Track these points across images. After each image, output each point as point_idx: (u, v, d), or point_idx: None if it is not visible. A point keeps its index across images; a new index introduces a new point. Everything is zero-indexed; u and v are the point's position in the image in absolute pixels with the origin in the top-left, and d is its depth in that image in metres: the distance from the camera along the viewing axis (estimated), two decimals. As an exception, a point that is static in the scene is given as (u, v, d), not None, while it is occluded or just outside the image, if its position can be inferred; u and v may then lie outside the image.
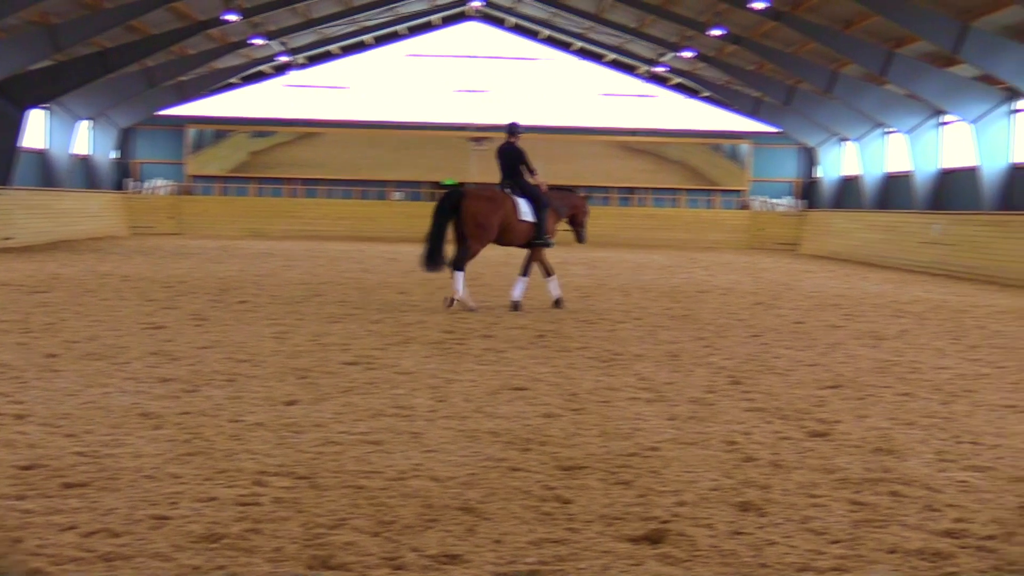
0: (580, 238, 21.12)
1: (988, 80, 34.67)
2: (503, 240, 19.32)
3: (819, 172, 52.15)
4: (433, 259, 18.57)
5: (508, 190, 19.40)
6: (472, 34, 55.64)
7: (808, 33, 36.97)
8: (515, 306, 19.19)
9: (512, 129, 19.80)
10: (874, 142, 45.72)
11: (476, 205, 18.74)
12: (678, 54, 47.22)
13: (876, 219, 42.95)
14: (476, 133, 55.32)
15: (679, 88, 55.54)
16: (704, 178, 55.39)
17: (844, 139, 48.86)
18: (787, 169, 55.72)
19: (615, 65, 55.38)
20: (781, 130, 53.10)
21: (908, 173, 41.75)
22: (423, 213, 52.95)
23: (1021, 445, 8.83)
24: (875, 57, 36.15)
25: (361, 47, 55.11)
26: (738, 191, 55.37)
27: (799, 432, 9.19)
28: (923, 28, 31.44)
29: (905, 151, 41.64)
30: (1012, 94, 34.54)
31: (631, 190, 55.45)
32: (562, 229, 20.98)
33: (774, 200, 54.97)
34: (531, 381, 11.48)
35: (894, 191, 45.31)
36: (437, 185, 54.91)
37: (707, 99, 55.33)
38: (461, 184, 54.02)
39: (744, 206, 55.19)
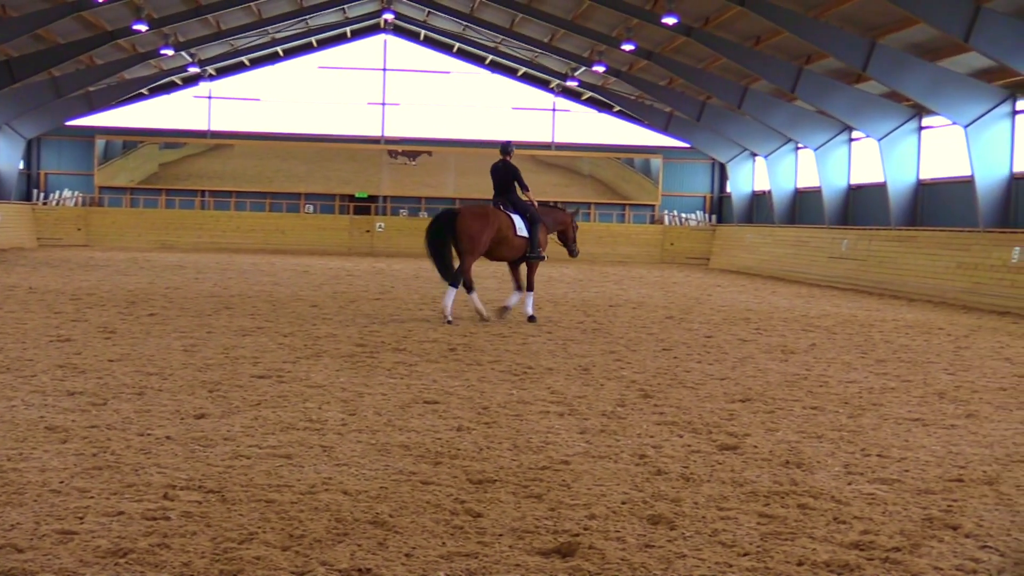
0: (572, 253, 21.91)
1: (895, 97, 35.20)
2: (499, 255, 20.15)
3: (730, 187, 52.63)
4: (448, 273, 19.41)
5: (501, 206, 20.20)
6: (385, 47, 55.54)
7: (718, 49, 37.33)
8: (531, 319, 20.17)
9: (506, 148, 20.59)
10: (784, 158, 46.21)
11: (470, 222, 19.45)
12: (590, 68, 47.46)
13: (786, 234, 43.41)
14: (406, 147, 55.23)
15: (591, 103, 55.82)
16: (616, 192, 55.72)
17: (754, 154, 49.34)
18: (698, 184, 56.19)
19: (527, 79, 55.57)
20: (692, 145, 53.55)
21: (817, 189, 42.26)
22: (335, 226, 53.28)
23: (927, 458, 8.95)
24: (785, 73, 36.58)
25: (273, 59, 54.85)
26: (649, 206, 55.75)
27: (709, 445, 9.24)
28: (832, 45, 31.85)
29: (814, 167, 42.13)
30: (919, 111, 35.08)
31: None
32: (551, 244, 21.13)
33: (685, 215, 55.41)
34: (443, 394, 11.46)
35: (803, 207, 45.83)
36: (350, 198, 54.76)
37: (619, 114, 55.67)
38: (372, 196, 53.93)
39: (655, 220, 55.57)
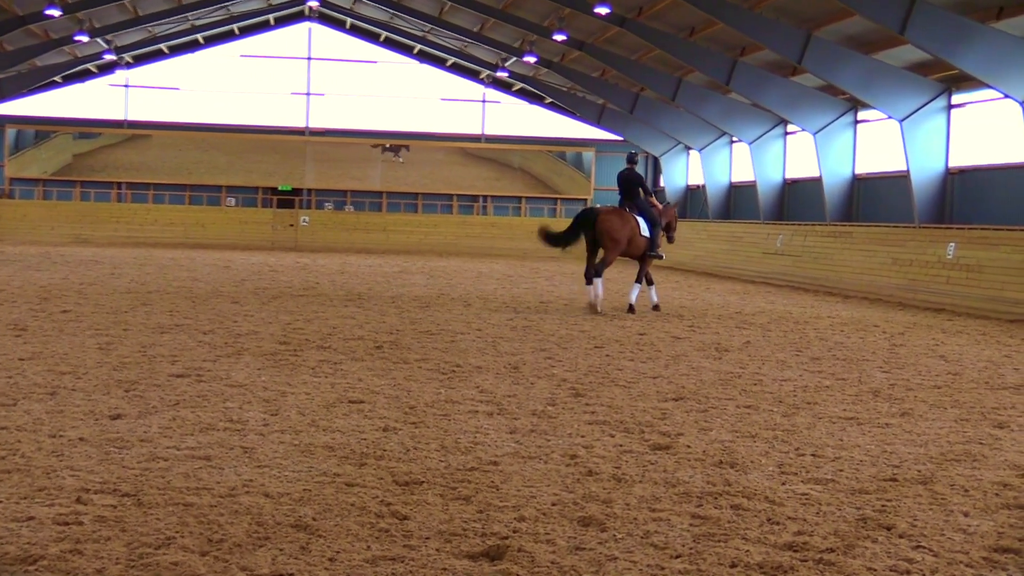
0: (670, 239, 24.80)
1: (831, 90, 35.48)
2: (628, 252, 22.77)
3: (663, 181, 52.82)
4: (591, 270, 22.36)
5: (627, 209, 22.78)
6: (309, 35, 55.29)
7: (652, 40, 37.46)
8: (631, 309, 22.79)
9: (631, 158, 23.37)
10: (718, 151, 46.49)
11: (610, 221, 22.18)
12: (521, 59, 47.49)
13: (720, 229, 43.68)
14: (390, 142, 55.03)
15: (522, 94, 55.88)
16: (547, 186, 55.83)
17: (688, 148, 49.61)
18: (631, 178, 56.37)
19: (456, 69, 55.52)
20: (625, 138, 53.74)
21: (752, 183, 42.53)
22: (258, 220, 53.03)
23: (861, 457, 9.04)
24: (719, 65, 36.77)
25: (192, 47, 54.41)
26: (582, 200, 55.89)
27: (641, 445, 9.28)
28: (767, 37, 32.07)
29: (749, 161, 42.39)
30: (854, 104, 35.41)
31: (473, 198, 55.65)
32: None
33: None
34: (368, 394, 11.43)
35: (738, 201, 46.15)
36: (273, 191, 54.48)
37: (550, 106, 55.78)
38: (296, 189, 53.68)
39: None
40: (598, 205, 24.38)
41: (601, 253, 22.42)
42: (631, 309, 22.74)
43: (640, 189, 22.95)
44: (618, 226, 22.17)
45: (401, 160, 54.99)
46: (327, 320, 19.11)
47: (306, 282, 28.99)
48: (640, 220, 22.69)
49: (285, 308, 21.23)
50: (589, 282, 22.46)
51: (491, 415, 10.46)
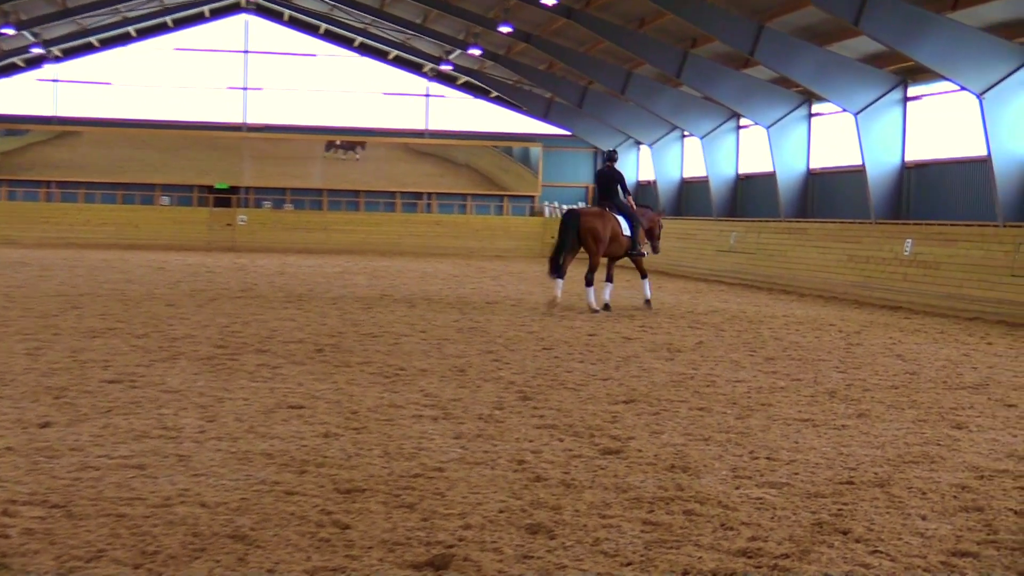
0: (655, 249, 25.63)
1: (784, 83, 35.64)
2: (609, 251, 23.35)
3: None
4: (557, 268, 22.86)
5: (606, 208, 23.35)
6: (246, 27, 55.06)
7: (601, 31, 37.51)
8: (648, 303, 24.19)
9: (611, 155, 24.14)
10: (669, 146, 46.63)
11: (593, 222, 22.74)
12: (465, 52, 47.45)
13: (671, 226, 43.73)
14: (342, 138, 54.77)
15: (467, 88, 55.84)
16: (493, 183, 55.82)
17: (638, 143, 49.72)
18: (580, 174, 56.48)
19: (399, 63, 55.40)
20: (573, 133, 53.84)
21: (704, 179, 42.68)
22: (193, 219, 52.76)
23: (817, 460, 9.09)
24: (670, 57, 36.85)
25: (124, 40, 53.99)
26: (529, 197, 55.94)
27: (591, 449, 9.30)
28: (718, 28, 32.19)
29: (701, 156, 42.52)
30: (808, 97, 35.59)
31: (416, 195, 55.56)
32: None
33: (567, 206, 55.64)
34: (308, 399, 11.40)
35: (690, 198, 46.32)
36: (210, 189, 54.21)
37: (496, 100, 55.77)
38: (233, 187, 53.45)
39: (535, 212, 55.77)
40: (581, 206, 24.74)
41: (572, 255, 23.03)
42: (648, 303, 24.28)
43: (619, 187, 23.56)
44: (601, 227, 22.74)
45: (357, 158, 54.82)
46: (266, 323, 19.04)
47: (244, 283, 28.87)
48: (621, 219, 23.25)
49: (222, 310, 21.14)
50: (557, 277, 22.87)
51: (436, 420, 10.46)
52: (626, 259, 24.27)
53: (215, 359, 14.28)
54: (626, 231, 23.30)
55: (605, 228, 22.80)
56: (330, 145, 54.94)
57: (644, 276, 24.58)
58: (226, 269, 35.44)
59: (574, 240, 22.77)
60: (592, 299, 23.07)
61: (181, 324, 18.44)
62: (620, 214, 23.37)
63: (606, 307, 23.32)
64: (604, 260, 23.54)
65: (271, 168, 54.67)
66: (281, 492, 7.58)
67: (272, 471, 8.20)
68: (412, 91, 56.05)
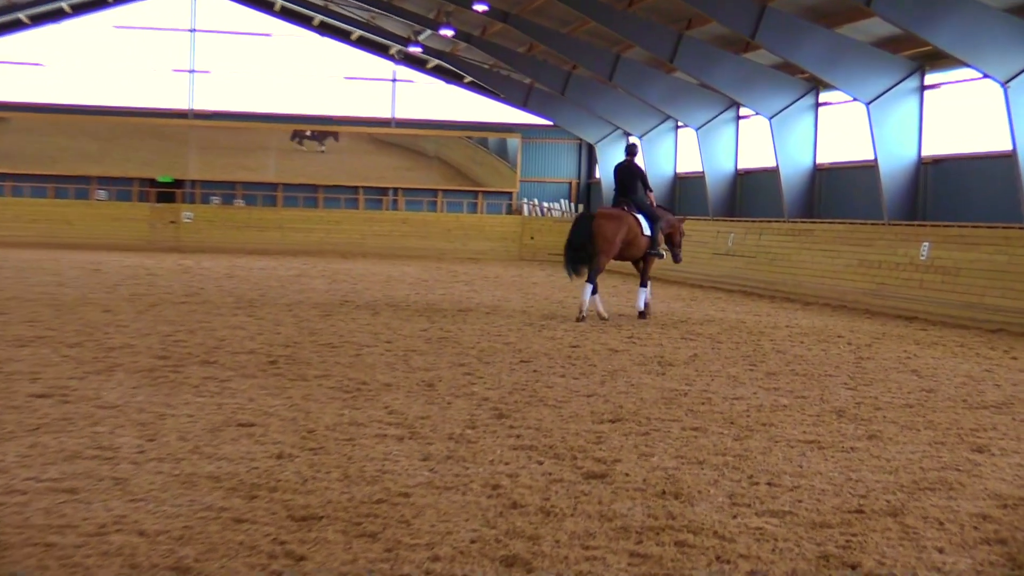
0: (676, 258, 25.71)
1: (789, 69, 35.70)
2: (628, 255, 23.95)
3: (599, 172, 52.92)
4: (576, 268, 23.57)
5: (625, 207, 23.80)
6: (193, 4, 54.95)
7: (586, 10, 37.49)
8: (642, 315, 24.19)
9: (631, 149, 24.36)
10: (661, 138, 46.66)
11: (606, 223, 23.18)
12: (436, 32, 47.41)
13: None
14: (311, 127, 54.69)
15: (437, 72, 55.83)
16: (467, 177, 55.84)
17: (628, 134, 49.72)
18: (563, 168, 56.53)
19: (363, 44, 55.36)
20: (555, 123, 53.83)
21: (700, 174, 42.71)
22: (134, 215, 52.61)
23: (823, 486, 9.10)
24: (663, 40, 36.83)
25: (57, 16, 53.84)
26: (506, 193, 55.96)
27: (573, 473, 9.29)
28: (716, 8, 32.18)
29: (696, 149, 42.55)
30: (815, 85, 35.65)
31: (381, 191, 55.55)
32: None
33: (548, 204, 55.67)
34: (260, 415, 11.38)
35: (684, 195, 46.34)
36: (152, 183, 54.09)
37: (470, 86, 55.77)
38: (178, 181, 53.34)
39: (513, 210, 55.78)
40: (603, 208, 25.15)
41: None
42: (642, 315, 24.18)
43: (639, 184, 24.01)
44: (612, 229, 23.17)
45: (322, 149, 54.74)
46: (213, 331, 19.01)
47: (189, 287, 28.81)
48: (641, 219, 23.69)
49: (165, 317, 21.09)
50: (588, 281, 23.29)
51: (401, 440, 10.45)
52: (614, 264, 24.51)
53: (156, 371, 14.24)
54: (646, 231, 23.69)
55: (618, 230, 23.19)
56: (297, 135, 54.85)
57: (644, 284, 24.55)
58: (169, 271, 35.37)
59: (586, 241, 23.24)
60: (586, 300, 23.30)
61: (119, 332, 18.39)
62: (640, 212, 23.77)
63: (641, 315, 24.11)
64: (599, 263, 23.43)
65: (220, 160, 54.59)
66: (229, 519, 7.56)
67: (219, 496, 8.17)
68: (377, 76, 56.02)
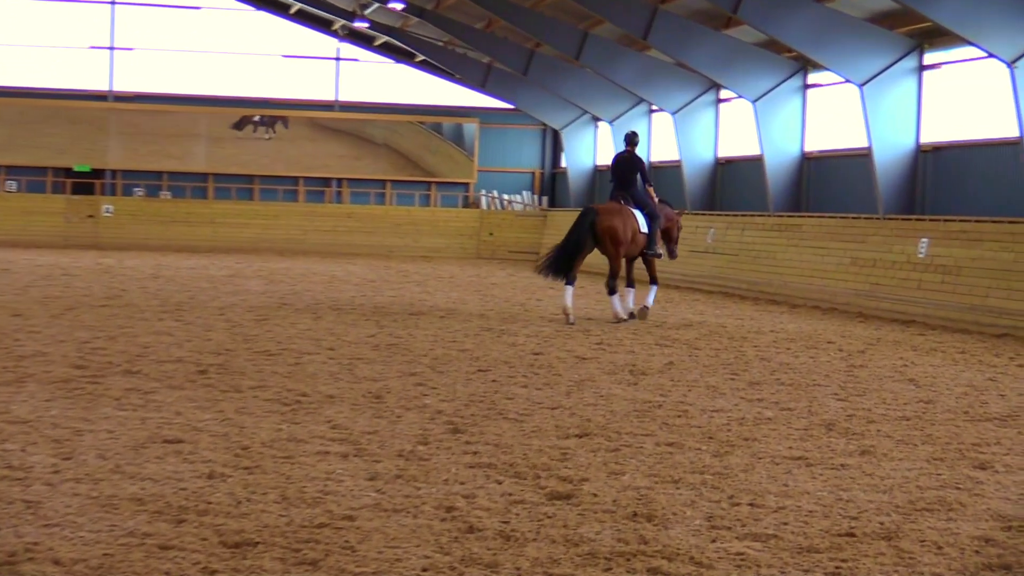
0: (672, 254, 26.68)
1: (774, 47, 35.76)
2: (627, 252, 24.55)
3: (565, 161, 52.93)
4: (571, 273, 23.86)
5: (622, 201, 24.49)
6: (114, -27, 54.81)
7: (551, -18, 37.54)
8: (644, 312, 24.95)
9: (631, 139, 25.11)
10: (634, 123, 46.55)
11: (612, 222, 23.86)
12: (384, 5, 47.34)
13: (636, 221, 43.91)
14: (259, 112, 54.49)
15: (386, 50, 55.75)
16: (419, 167, 55.79)
17: (597, 119, 49.77)
18: (525, 157, 56.54)
19: (303, 19, 55.19)
20: (517, 107, 53.80)
21: (676, 163, 42.74)
22: (47, 209, 52.47)
23: (810, 506, 9.15)
24: (635, 15, 36.82)
25: (-41, -14, 53.58)
26: (463, 184, 55.94)
27: (536, 494, 9.32)
28: (694, -20, 32.28)
29: (672, 135, 42.56)
30: (804, 65, 35.70)
31: (324, 182, 55.46)
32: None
33: (508, 196, 55.68)
34: (189, 431, 11.37)
35: (659, 186, 46.24)
36: (68, 172, 53.83)
37: (422, 65, 55.72)
38: (96, 170, 53.08)
39: (470, 203, 55.78)
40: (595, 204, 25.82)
41: (584, 257, 24.31)
42: (641, 313, 24.93)
43: (639, 176, 24.72)
44: (621, 227, 23.93)
45: (268, 137, 54.59)
46: (136, 337, 18.97)
47: (110, 289, 28.73)
48: (638, 214, 24.40)
49: (82, 322, 21.03)
50: (569, 283, 23.80)
51: (346, 457, 10.45)
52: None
53: (73, 382, 14.20)
54: (643, 227, 24.39)
55: (625, 228, 23.95)
56: (244, 121, 54.67)
57: (654, 282, 25.42)
58: (88, 271, 35.26)
59: (589, 242, 23.91)
60: (618, 307, 24.41)
61: (30, 339, 18.32)
62: (637, 207, 24.46)
63: (631, 315, 24.72)
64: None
65: (144, 147, 54.38)
66: (154, 546, 7.56)
67: (143, 520, 8.17)
68: (319, 54, 55.91)
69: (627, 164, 24.76)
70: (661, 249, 25.52)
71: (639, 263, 25.51)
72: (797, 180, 36.52)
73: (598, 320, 24.51)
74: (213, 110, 54.65)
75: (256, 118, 54.73)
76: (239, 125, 54.63)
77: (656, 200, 25.36)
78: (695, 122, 41.50)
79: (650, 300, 25.31)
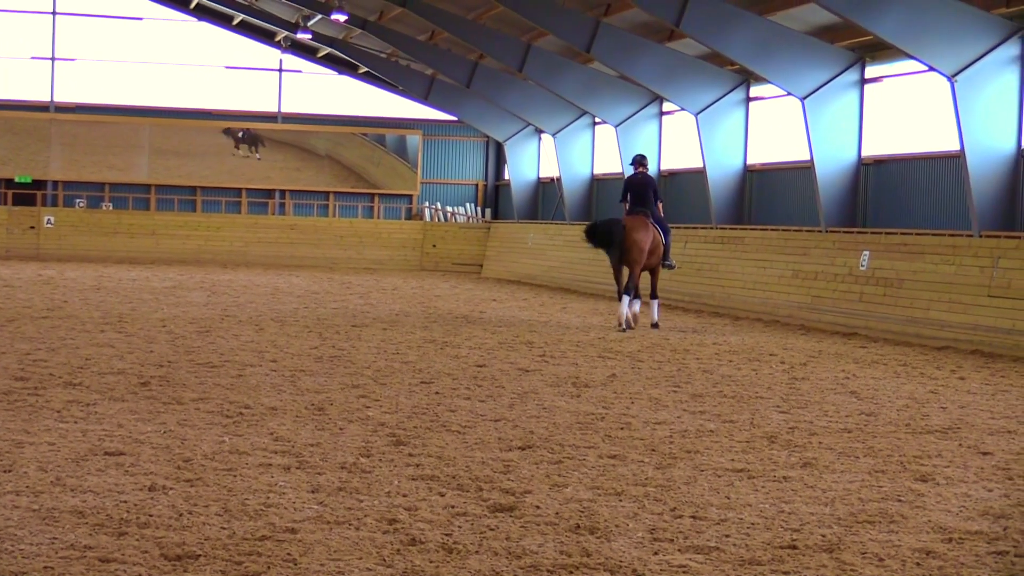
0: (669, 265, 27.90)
1: (717, 60, 35.85)
2: (648, 264, 26.39)
3: (508, 173, 52.93)
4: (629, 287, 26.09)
5: (645, 216, 26.23)
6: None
7: (494, -6, 37.50)
8: (655, 325, 26.66)
9: (641, 160, 27.07)
10: (577, 136, 46.67)
11: (641, 235, 25.72)
12: (327, 17, 47.23)
13: (580, 233, 43.88)
14: (242, 127, 54.26)
15: (329, 62, 55.67)
16: (362, 178, 55.71)
17: (540, 131, 49.77)
18: (468, 168, 56.53)
19: (245, 30, 55.03)
20: (460, 118, 53.77)
21: (619, 176, 42.75)
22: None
23: (753, 519, 9.17)
24: (579, 27, 36.80)
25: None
26: (406, 196, 55.89)
27: (478, 506, 9.32)
28: (636, -8, 32.30)
29: (616, 148, 42.59)
30: (746, 78, 35.79)
31: (267, 193, 55.31)
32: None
33: (451, 208, 55.68)
34: (130, 443, 11.32)
35: (602, 198, 46.38)
36: (8, 183, 53.51)
37: (366, 77, 55.65)
38: (38, 181, 52.72)
39: (413, 215, 55.73)
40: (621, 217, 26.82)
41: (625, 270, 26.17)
42: (655, 325, 26.64)
43: (653, 195, 26.67)
44: (645, 239, 25.86)
45: (259, 157, 54.47)
46: (78, 349, 18.89)
47: (51, 301, 28.58)
48: (658, 228, 26.46)
49: (23, 334, 20.93)
50: (621, 299, 26.09)
51: (288, 469, 10.43)
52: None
53: (13, 394, 14.13)
54: (663, 241, 26.52)
55: (647, 240, 25.86)
56: (230, 134, 54.57)
57: (655, 296, 27.22)
58: (28, 282, 35.08)
59: (619, 254, 25.95)
60: (627, 312, 26.03)
61: (-29, 351, 18.24)
62: (656, 223, 26.44)
63: (654, 325, 26.65)
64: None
65: (85, 158, 54.12)
66: (95, 559, 7.53)
67: (84, 533, 8.13)
68: (262, 65, 55.77)
69: (644, 184, 26.59)
70: (674, 261, 27.41)
71: (645, 276, 26.92)
72: (740, 193, 36.61)
73: (542, 332, 24.49)
74: (155, 121, 54.44)
75: (240, 134, 54.57)
76: (230, 136, 54.56)
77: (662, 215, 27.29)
78: (637, 135, 41.48)
79: (655, 315, 26.83)
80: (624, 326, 25.89)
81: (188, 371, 16.81)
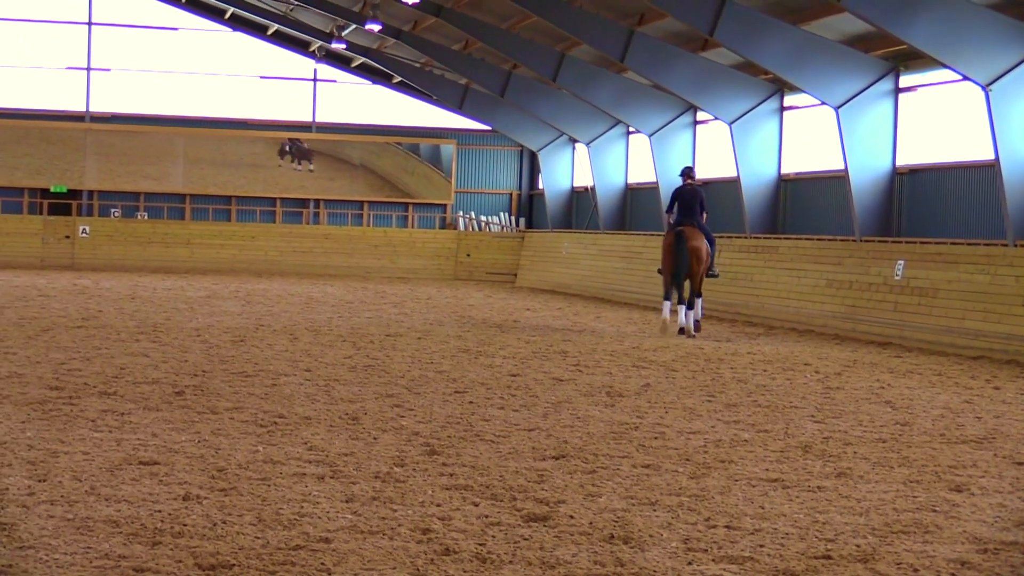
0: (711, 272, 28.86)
1: (751, 69, 35.78)
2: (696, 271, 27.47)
3: (542, 182, 52.90)
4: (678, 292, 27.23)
5: (694, 225, 27.19)
6: (91, -7, 54.70)
7: (528, 4, 37.43)
8: (698, 326, 27.70)
9: (689, 172, 27.89)
10: (611, 145, 46.60)
11: (699, 245, 26.86)
12: (362, 27, 47.27)
13: (614, 243, 43.90)
14: (291, 137, 54.40)
15: (363, 72, 55.72)
16: (396, 188, 55.73)
17: (574, 141, 49.74)
18: (503, 178, 56.51)
19: (280, 40, 55.13)
20: (494, 128, 53.77)
21: (654, 185, 42.70)
22: (24, 230, 52.30)
23: (787, 529, 9.14)
24: (613, 37, 36.79)
25: (-62, 6, 53.43)
26: (440, 205, 55.88)
27: (512, 516, 9.31)
28: (671, 1, 32.23)
29: (650, 157, 42.54)
30: (780, 87, 35.73)
31: (301, 203, 55.36)
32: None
33: (486, 217, 55.66)
34: (165, 453, 11.33)
35: (636, 208, 46.35)
36: (44, 193, 53.69)
37: (400, 86, 55.69)
38: (73, 191, 52.89)
39: (447, 225, 55.72)
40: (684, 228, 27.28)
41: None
42: (682, 331, 27.29)
43: (700, 207, 27.41)
44: (703, 247, 27.05)
45: (312, 169, 54.61)
46: (113, 359, 18.91)
47: (86, 310, 28.65)
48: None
49: (58, 343, 20.97)
50: (671, 300, 27.34)
51: (322, 479, 10.43)
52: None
53: (48, 403, 14.16)
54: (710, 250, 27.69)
55: (704, 248, 27.00)
56: (281, 152, 54.70)
57: (700, 294, 27.98)
58: (64, 292, 35.17)
59: (683, 262, 26.64)
60: (683, 318, 27.23)
61: (6, 361, 18.26)
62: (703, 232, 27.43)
63: (683, 331, 27.30)
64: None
65: (121, 168, 54.26)
66: (129, 568, 7.53)
67: (118, 542, 8.14)
68: (296, 75, 55.86)
69: (691, 195, 27.24)
70: (717, 269, 28.53)
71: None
72: (774, 202, 36.53)
73: (576, 341, 24.46)
74: (190, 131, 54.57)
75: (287, 146, 54.68)
76: (280, 154, 54.69)
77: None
78: (672, 144, 41.45)
79: (695, 319, 27.61)
80: (681, 332, 26.97)
81: (222, 380, 16.82)
